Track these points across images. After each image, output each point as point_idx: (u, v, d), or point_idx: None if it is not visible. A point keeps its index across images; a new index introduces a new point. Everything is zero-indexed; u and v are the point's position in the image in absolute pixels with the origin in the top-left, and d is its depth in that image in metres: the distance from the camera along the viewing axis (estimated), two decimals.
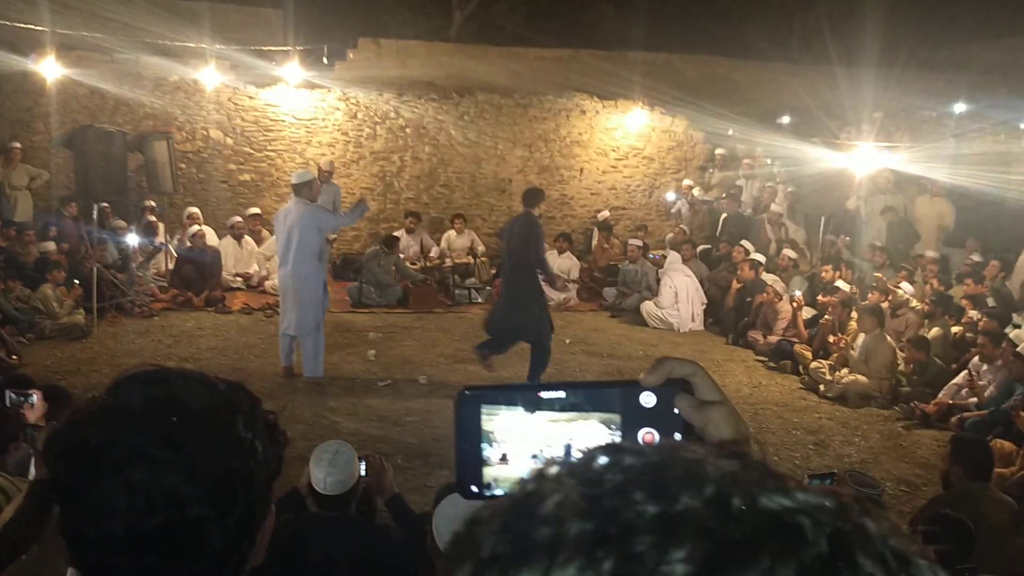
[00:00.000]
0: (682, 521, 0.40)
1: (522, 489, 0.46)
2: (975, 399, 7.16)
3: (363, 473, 3.40)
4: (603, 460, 0.45)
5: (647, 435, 0.75)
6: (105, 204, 10.27)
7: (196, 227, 11.17)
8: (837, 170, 11.77)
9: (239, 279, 11.35)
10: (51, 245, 9.82)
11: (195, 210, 11.82)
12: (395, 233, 12.10)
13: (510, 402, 0.75)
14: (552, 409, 0.75)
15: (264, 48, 13.04)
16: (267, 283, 11.20)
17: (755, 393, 8.19)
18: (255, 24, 14.32)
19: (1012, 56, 16.93)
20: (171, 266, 11.01)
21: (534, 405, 0.75)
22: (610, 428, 0.75)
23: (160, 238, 11.12)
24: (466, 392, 0.76)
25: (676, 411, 0.74)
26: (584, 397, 0.75)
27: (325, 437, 6.39)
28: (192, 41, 12.49)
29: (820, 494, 0.42)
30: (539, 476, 0.46)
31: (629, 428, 0.75)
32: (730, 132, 14.16)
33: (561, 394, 0.75)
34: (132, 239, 10.27)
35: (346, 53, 14.10)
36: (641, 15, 17.65)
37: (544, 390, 0.75)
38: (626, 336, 10.25)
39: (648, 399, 0.75)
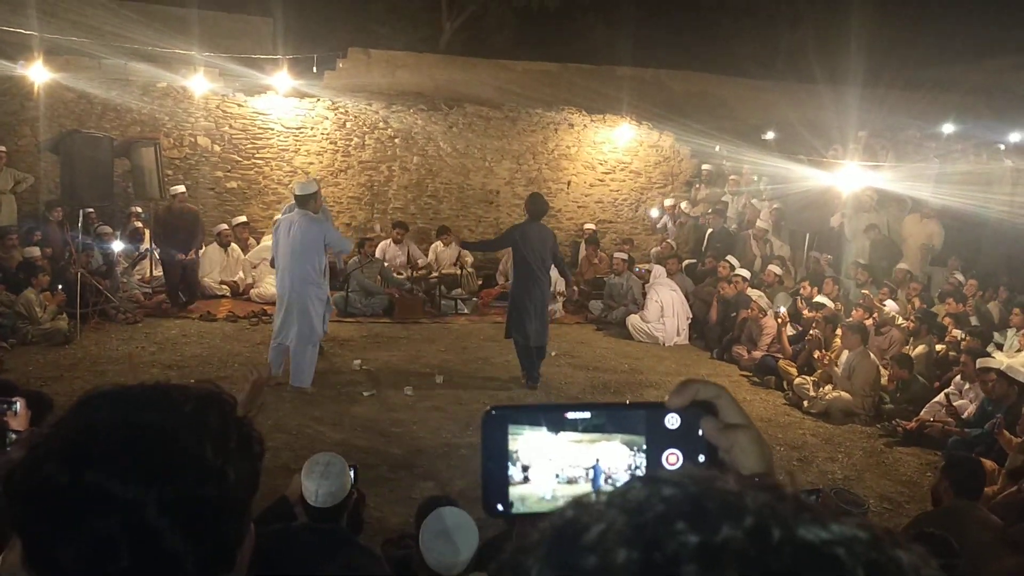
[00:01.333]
0: (724, 551, 0.41)
1: (563, 517, 0.47)
2: (956, 417, 7.21)
3: (354, 483, 3.39)
4: (642, 490, 0.46)
5: (671, 456, 0.76)
6: (91, 209, 10.21)
7: (180, 188, 11.12)
8: (822, 188, 11.87)
9: (225, 287, 11.30)
10: (35, 250, 9.74)
11: None
12: (381, 243, 12.10)
13: (535, 422, 0.76)
14: (576, 430, 0.76)
15: (253, 56, 13.03)
16: (253, 291, 11.17)
17: None
18: (245, 32, 14.33)
19: (994, 77, 17.18)
20: (156, 272, 10.96)
21: (558, 425, 0.76)
22: (633, 450, 0.76)
23: (145, 244, 11.07)
24: (492, 412, 0.77)
25: (700, 433, 0.75)
26: (608, 418, 0.76)
27: (310, 447, 6.38)
28: (181, 48, 12.46)
29: (854, 526, 0.43)
30: (579, 504, 0.47)
31: (653, 449, 0.76)
32: (717, 148, 14.26)
33: (586, 415, 0.76)
34: (117, 245, 10.22)
35: (335, 62, 14.12)
36: (629, 31, 17.78)
37: (569, 410, 0.76)
38: (612, 349, 10.27)
39: (672, 421, 0.76)
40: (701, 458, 0.76)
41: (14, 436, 3.76)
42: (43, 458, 0.86)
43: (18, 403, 3.83)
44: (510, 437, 0.76)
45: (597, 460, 0.76)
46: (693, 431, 0.76)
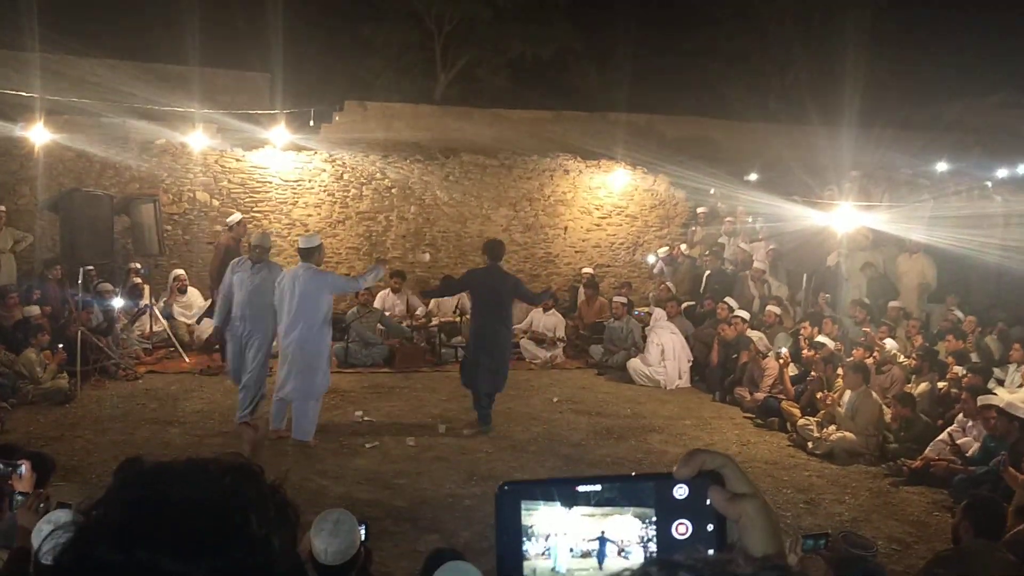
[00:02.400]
0: None
1: None
2: (960, 455, 7.18)
3: (364, 540, 3.37)
4: (659, 574, 0.48)
5: (680, 526, 0.77)
6: (90, 267, 10.25)
7: (237, 216, 11.13)
8: (818, 227, 11.96)
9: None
10: (35, 308, 9.74)
11: (181, 272, 11.83)
12: (380, 293, 12.12)
13: (547, 497, 0.78)
14: (588, 503, 0.77)
15: (251, 112, 13.19)
16: None
17: (744, 451, 8.19)
18: (242, 88, 14.51)
19: (984, 115, 17.39)
20: (156, 328, 10.97)
21: (571, 500, 0.77)
22: (645, 522, 0.77)
23: (145, 300, 11.09)
24: (505, 487, 0.78)
25: (708, 503, 0.77)
26: (619, 491, 0.78)
27: (313, 501, 6.33)
28: (180, 105, 12.61)
29: None
30: None
31: (663, 520, 0.77)
32: (712, 191, 14.38)
33: (597, 488, 0.78)
34: (117, 302, 10.24)
35: (332, 115, 14.28)
36: (623, 77, 18.02)
37: (580, 484, 0.78)
38: (613, 394, 10.25)
39: (681, 491, 0.78)
40: (710, 527, 0.77)
41: (20, 498, 3.76)
42: (94, 539, 0.87)
43: (23, 466, 3.85)
44: (525, 512, 0.77)
45: (603, 533, 0.77)
46: (701, 501, 0.78)
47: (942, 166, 15.23)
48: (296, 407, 7.62)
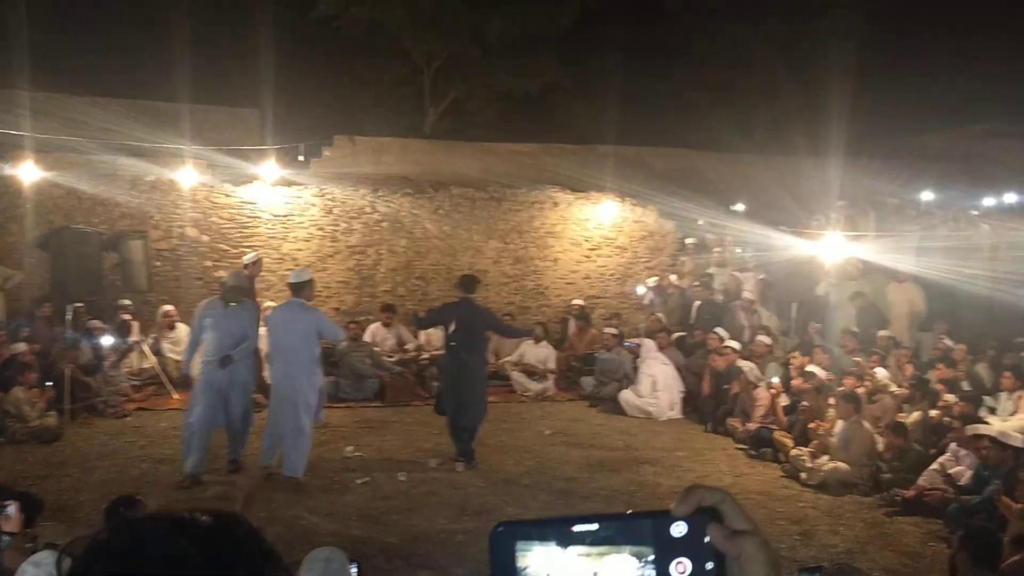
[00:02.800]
0: None
1: None
2: (953, 485, 7.17)
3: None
4: None
5: (679, 565, 0.76)
6: (80, 304, 10.21)
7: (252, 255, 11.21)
8: (806, 257, 12.02)
9: None
10: (22, 346, 9.68)
11: (170, 307, 11.80)
12: (370, 327, 12.09)
13: (543, 537, 0.77)
14: (584, 543, 0.76)
15: (241, 148, 13.24)
16: None
17: (738, 483, 8.15)
18: (232, 124, 14.58)
19: (968, 146, 17.60)
20: (144, 365, 10.91)
21: (567, 539, 0.76)
22: (642, 561, 0.76)
23: (134, 336, 11.04)
24: (500, 528, 0.77)
25: (707, 540, 0.76)
26: (616, 529, 0.77)
27: (304, 539, 6.27)
28: (170, 142, 12.65)
29: None
30: None
31: (662, 559, 0.76)
32: (700, 222, 14.46)
33: (594, 527, 0.77)
34: (106, 339, 10.18)
35: (322, 150, 14.36)
36: (610, 110, 18.19)
37: (576, 523, 0.77)
38: (606, 426, 10.22)
39: (679, 529, 0.77)
40: (709, 565, 0.77)
41: (7, 539, 3.72)
42: None
43: (11, 506, 3.81)
44: (520, 554, 0.77)
45: (597, 573, 0.76)
46: (700, 538, 0.77)
47: (929, 195, 15.38)
48: (287, 443, 7.55)
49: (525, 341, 12.26)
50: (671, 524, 0.77)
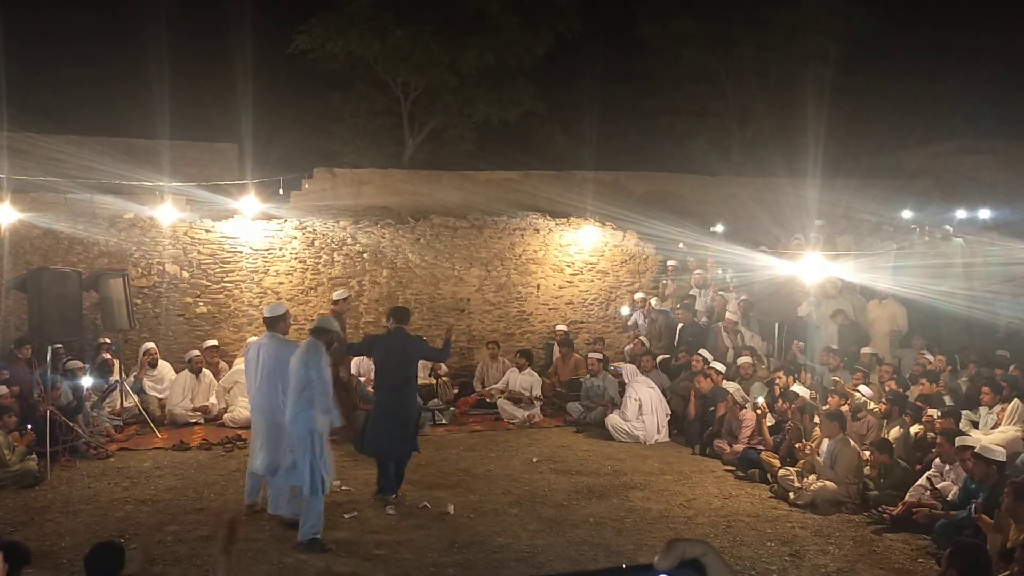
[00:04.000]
0: None
1: None
2: (940, 500, 7.20)
3: None
4: None
5: None
6: (59, 345, 10.11)
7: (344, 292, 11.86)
8: (787, 277, 12.11)
9: (197, 414, 11.16)
10: (2, 389, 9.57)
11: (151, 345, 11.73)
12: (355, 359, 12.02)
13: None
14: None
15: (220, 183, 13.22)
16: (226, 416, 11.02)
17: (726, 505, 8.15)
18: (211, 159, 14.56)
19: (942, 162, 17.84)
20: (127, 404, 10.81)
21: None
22: None
23: (115, 376, 10.94)
24: None
25: None
26: None
27: None
28: (148, 179, 12.62)
29: None
30: None
31: None
32: (680, 245, 14.55)
33: None
34: (86, 380, 10.08)
35: (301, 183, 14.35)
36: (588, 136, 18.33)
37: None
38: (593, 451, 10.20)
39: None
40: None
41: None
42: None
43: None
44: None
45: None
46: None
47: (906, 213, 15.57)
48: (271, 482, 7.48)
49: (511, 369, 12.27)
50: None
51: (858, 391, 9.46)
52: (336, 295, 11.67)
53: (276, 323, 7.57)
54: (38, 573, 6.09)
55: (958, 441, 7.23)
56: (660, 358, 12.30)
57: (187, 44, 17.65)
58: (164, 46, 16.43)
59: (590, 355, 12.12)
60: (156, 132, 14.58)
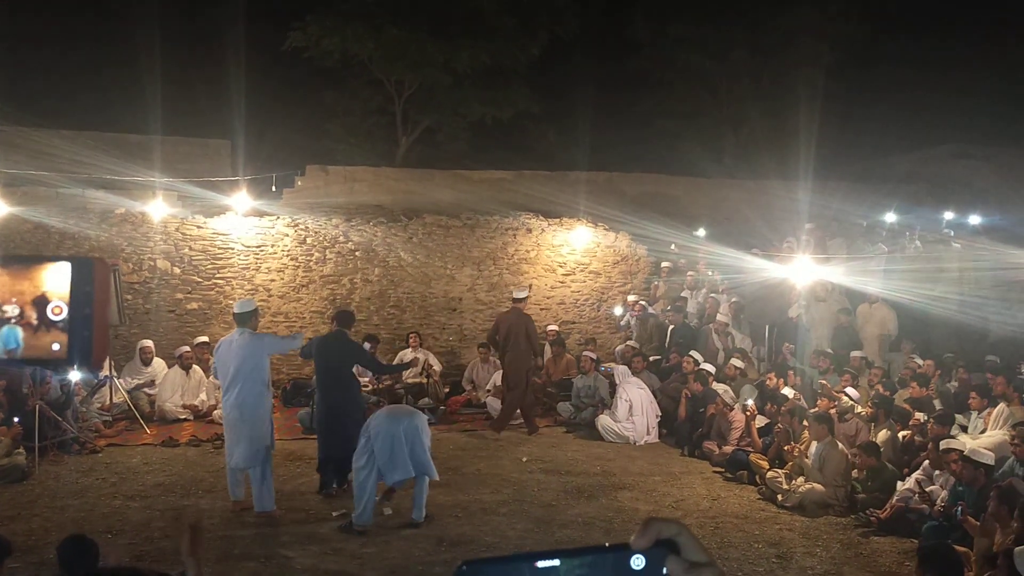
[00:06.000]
0: None
1: None
2: (927, 504, 7.22)
3: None
4: None
5: None
6: None
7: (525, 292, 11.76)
8: (777, 280, 12.14)
9: (187, 410, 11.13)
10: None
11: (148, 343, 11.70)
12: None
13: (507, 575, 0.78)
14: None
15: (212, 179, 13.19)
16: (216, 412, 10.98)
17: (715, 506, 8.17)
18: (203, 155, 14.52)
19: (934, 167, 17.92)
20: (116, 399, 10.78)
21: None
22: None
23: (105, 371, 10.89)
24: (463, 568, 0.78)
25: (665, 572, 0.78)
26: (578, 564, 0.79)
27: (280, 575, 6.20)
28: (140, 174, 12.60)
29: None
30: None
31: None
32: (672, 247, 14.58)
33: (556, 562, 0.78)
34: (76, 375, 10.04)
35: (294, 180, 14.33)
36: (581, 137, 18.36)
37: (539, 559, 0.78)
38: (583, 452, 10.21)
39: (638, 562, 0.78)
40: None
41: None
42: None
43: None
44: None
45: None
46: (659, 571, 0.79)
47: (896, 217, 15.64)
48: (251, 476, 7.48)
49: (499, 370, 12.25)
50: (631, 558, 0.79)
51: (845, 394, 9.49)
52: (518, 293, 11.60)
53: (246, 318, 7.61)
54: (24, 568, 6.08)
55: (943, 444, 7.26)
56: (651, 358, 12.32)
57: (181, 40, 17.65)
58: (157, 41, 16.42)
59: (584, 354, 12.12)
60: (148, 127, 14.55)
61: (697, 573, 0.77)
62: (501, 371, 11.94)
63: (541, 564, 0.78)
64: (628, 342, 12.79)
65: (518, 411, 11.15)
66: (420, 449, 7.14)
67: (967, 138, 18.73)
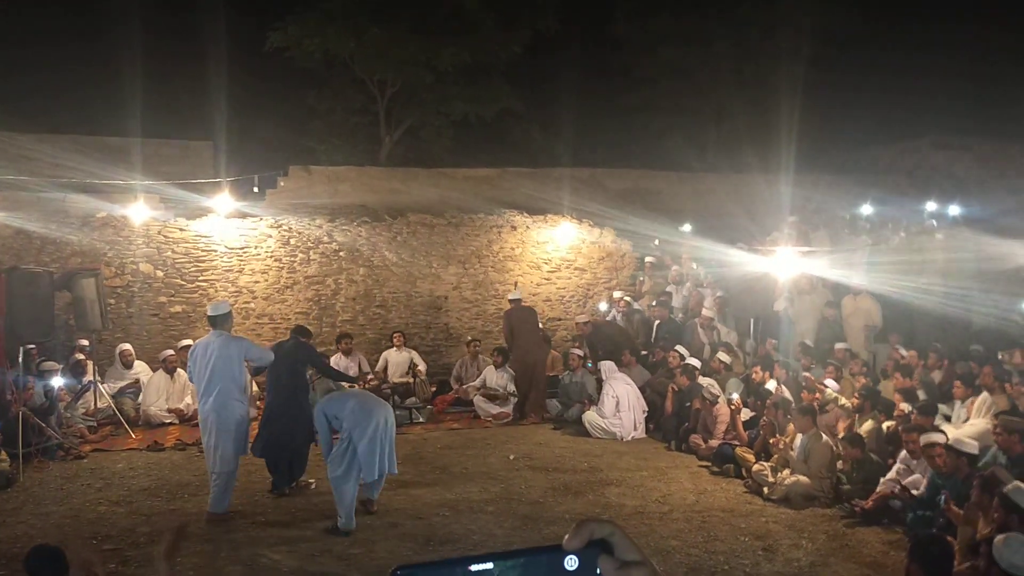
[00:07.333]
0: None
1: None
2: (912, 494, 7.27)
3: None
4: None
5: None
6: (31, 346, 10.00)
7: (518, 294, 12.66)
8: (761, 273, 12.18)
9: (172, 414, 11.09)
10: None
11: (127, 346, 11.66)
12: (332, 357, 12.00)
13: None
14: None
15: (194, 181, 13.13)
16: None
17: (701, 500, 8.20)
18: (184, 157, 14.46)
19: (915, 158, 18.02)
20: (100, 405, 10.72)
21: None
22: None
23: (89, 376, 10.84)
24: (397, 573, 0.79)
25: (599, 572, 0.78)
26: (512, 566, 0.79)
27: None
28: (121, 177, 12.53)
29: None
30: None
31: None
32: (656, 242, 14.62)
33: (489, 566, 0.78)
34: (59, 380, 9.99)
35: (277, 181, 14.28)
36: (564, 133, 18.39)
37: (473, 563, 0.78)
38: (570, 448, 10.22)
39: (571, 563, 0.79)
40: None
41: None
42: None
43: None
44: None
45: None
46: (592, 571, 0.79)
47: (879, 208, 15.72)
48: (215, 476, 7.43)
49: (488, 367, 12.25)
50: (564, 558, 0.79)
51: (825, 385, 9.54)
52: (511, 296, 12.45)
53: (221, 321, 7.58)
54: (9, 575, 6.04)
55: (923, 439, 7.27)
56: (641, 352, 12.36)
57: (161, 41, 17.55)
58: (138, 43, 16.34)
59: (572, 351, 12.15)
60: (129, 130, 14.48)
61: (630, 572, 0.78)
62: (499, 370, 11.95)
63: (475, 568, 0.79)
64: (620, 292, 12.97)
65: (517, 412, 11.37)
66: (391, 447, 7.23)
67: (948, 129, 18.85)
